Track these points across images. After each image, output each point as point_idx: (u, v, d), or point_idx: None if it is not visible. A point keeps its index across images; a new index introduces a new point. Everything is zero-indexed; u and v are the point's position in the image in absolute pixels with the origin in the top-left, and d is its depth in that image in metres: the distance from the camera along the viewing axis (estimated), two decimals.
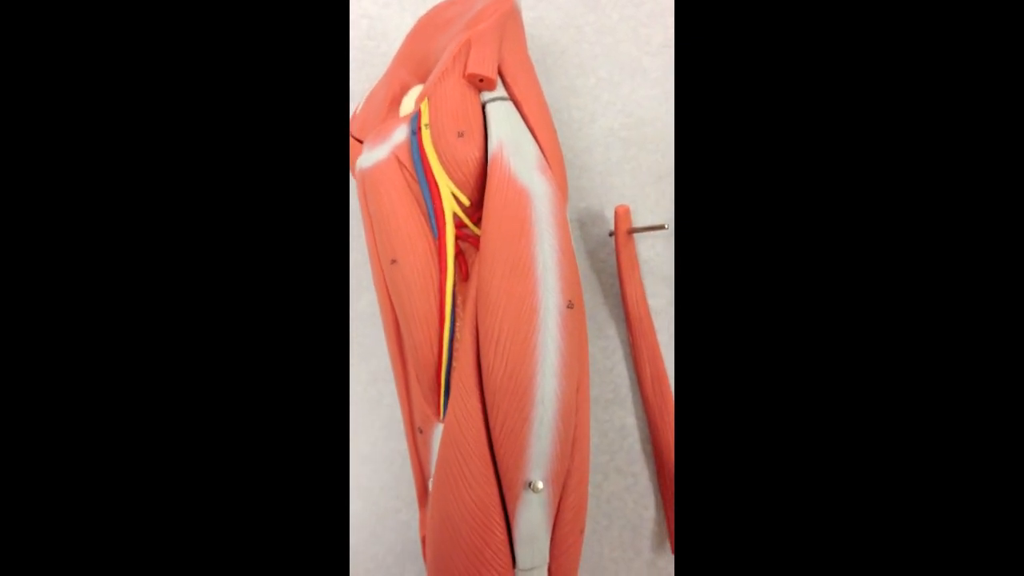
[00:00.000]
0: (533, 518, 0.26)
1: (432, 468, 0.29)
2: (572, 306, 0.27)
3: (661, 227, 0.34)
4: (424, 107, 0.29)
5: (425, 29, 0.34)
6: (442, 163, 0.29)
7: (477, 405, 0.27)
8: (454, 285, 0.29)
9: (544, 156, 0.29)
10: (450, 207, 0.29)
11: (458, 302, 0.29)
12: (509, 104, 0.29)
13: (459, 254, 0.29)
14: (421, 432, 0.29)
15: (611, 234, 0.37)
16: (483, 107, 0.29)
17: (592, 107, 0.39)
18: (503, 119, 0.29)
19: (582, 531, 0.28)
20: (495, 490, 0.26)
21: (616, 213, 0.36)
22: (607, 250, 0.38)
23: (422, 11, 0.40)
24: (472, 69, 0.29)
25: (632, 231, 0.36)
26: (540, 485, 0.26)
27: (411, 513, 0.36)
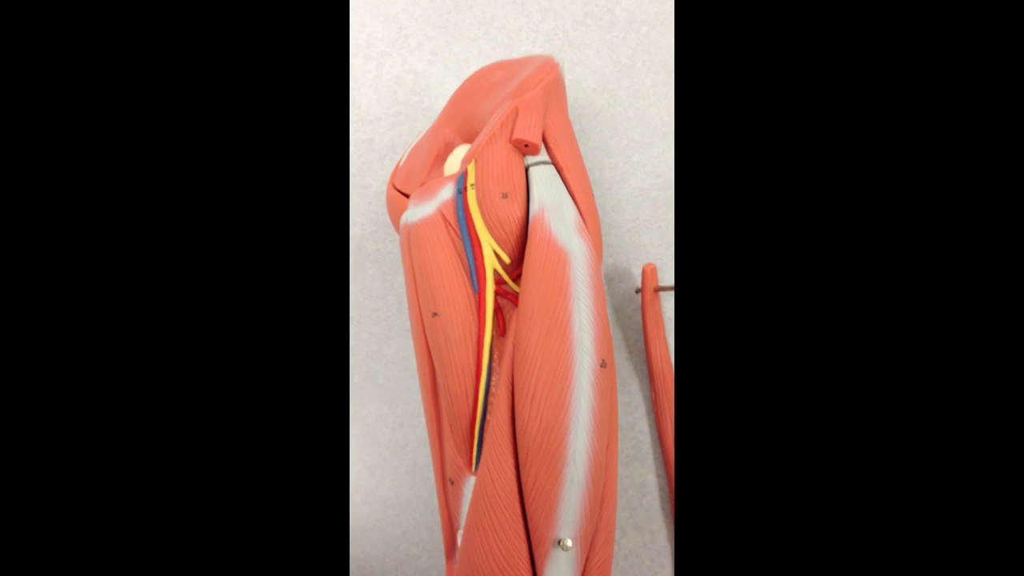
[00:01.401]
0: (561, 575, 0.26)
1: (462, 520, 0.29)
2: (605, 365, 0.28)
3: None
4: (471, 168, 0.31)
5: (471, 91, 0.36)
6: (485, 222, 0.30)
7: (510, 460, 0.27)
8: (492, 339, 0.29)
9: (582, 218, 0.30)
10: (491, 264, 0.30)
11: (495, 356, 0.30)
12: (551, 168, 0.31)
13: (497, 309, 0.30)
14: (452, 483, 0.30)
15: (638, 291, 0.38)
16: (526, 170, 0.31)
17: (623, 167, 0.40)
18: (545, 182, 0.30)
19: None
20: (524, 545, 0.27)
21: (644, 271, 0.37)
22: (633, 307, 0.39)
23: (464, 69, 0.42)
24: (518, 135, 0.30)
25: (659, 290, 0.37)
26: (569, 543, 0.26)
27: (431, 560, 0.36)
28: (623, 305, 0.39)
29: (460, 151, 0.34)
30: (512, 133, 0.30)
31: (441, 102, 0.42)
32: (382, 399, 0.38)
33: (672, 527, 0.36)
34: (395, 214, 0.36)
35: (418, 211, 0.32)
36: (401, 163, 0.37)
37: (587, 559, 0.27)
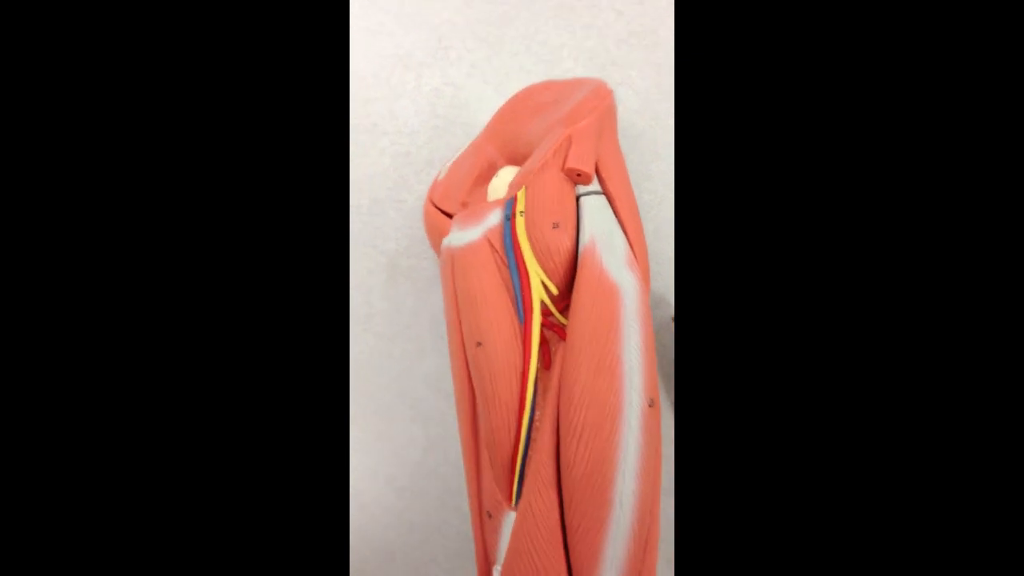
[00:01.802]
0: None
1: (499, 555, 0.29)
2: (653, 404, 0.28)
3: None
4: (521, 195, 0.30)
5: (517, 110, 0.35)
6: (534, 251, 0.29)
7: (554, 499, 0.27)
8: (537, 372, 0.29)
9: (632, 251, 0.30)
10: (538, 295, 0.29)
11: (539, 389, 0.29)
12: (603, 199, 0.30)
13: (543, 342, 0.30)
14: (490, 517, 0.29)
15: (674, 319, 0.38)
16: (577, 199, 0.30)
17: (663, 192, 0.40)
18: (597, 214, 0.29)
19: None
20: None
21: None
22: (668, 334, 0.38)
23: (505, 84, 0.41)
24: (571, 164, 0.29)
25: None
26: None
27: None
28: (659, 332, 0.39)
29: (506, 173, 0.33)
30: (565, 162, 0.30)
31: (480, 116, 0.41)
32: (413, 419, 0.37)
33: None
34: (432, 231, 0.36)
35: (463, 235, 0.31)
36: (440, 178, 0.37)
37: None
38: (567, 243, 0.29)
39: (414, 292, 0.39)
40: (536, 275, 0.29)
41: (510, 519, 0.28)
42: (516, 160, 0.35)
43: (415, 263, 0.39)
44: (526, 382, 0.29)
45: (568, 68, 0.41)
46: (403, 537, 0.36)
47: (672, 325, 0.38)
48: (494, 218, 0.30)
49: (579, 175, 0.30)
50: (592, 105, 0.32)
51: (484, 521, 0.30)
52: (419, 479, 0.37)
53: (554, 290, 0.29)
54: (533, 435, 0.28)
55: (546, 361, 0.30)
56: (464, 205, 0.34)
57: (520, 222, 0.30)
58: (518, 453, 0.28)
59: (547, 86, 0.35)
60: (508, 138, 0.35)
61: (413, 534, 0.36)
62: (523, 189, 0.30)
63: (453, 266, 0.31)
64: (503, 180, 0.33)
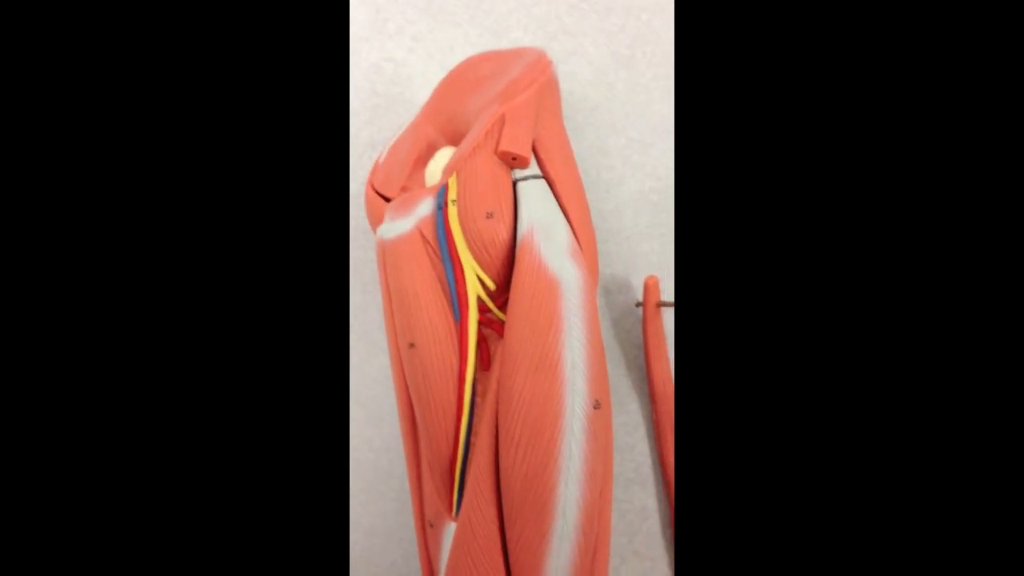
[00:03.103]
0: None
1: (441, 565, 0.27)
2: (599, 406, 0.26)
3: None
4: (452, 182, 0.28)
5: (455, 85, 0.32)
6: (468, 243, 0.27)
7: (493, 511, 0.25)
8: (474, 374, 0.27)
9: (576, 239, 0.27)
10: (474, 290, 0.27)
11: (478, 391, 0.27)
12: (542, 183, 0.28)
13: (481, 340, 0.28)
14: (432, 526, 0.28)
15: (638, 305, 0.35)
16: (514, 185, 0.28)
17: (622, 168, 0.37)
18: (535, 200, 0.27)
19: None
20: None
21: (645, 285, 0.34)
22: (632, 319, 0.36)
23: (448, 58, 0.38)
24: (505, 147, 0.27)
25: (662, 304, 0.34)
26: None
27: None
28: (622, 318, 0.36)
29: (442, 156, 0.31)
30: (498, 144, 0.27)
31: (423, 93, 0.38)
32: (366, 421, 0.36)
33: (674, 554, 0.34)
34: (374, 218, 0.33)
35: (394, 226, 0.29)
36: (380, 161, 0.34)
37: None
38: (503, 234, 0.27)
39: (360, 287, 0.37)
40: (471, 269, 0.27)
41: (451, 530, 0.27)
42: (456, 140, 0.32)
43: (360, 255, 0.37)
44: (463, 385, 0.27)
45: (517, 38, 0.38)
46: (361, 543, 0.35)
47: (637, 310, 0.36)
48: (425, 207, 0.28)
49: (514, 159, 0.27)
50: (529, 79, 0.29)
51: (426, 531, 0.28)
52: (375, 483, 0.35)
53: (491, 284, 0.27)
54: (472, 441, 0.27)
55: (485, 362, 0.28)
56: (405, 190, 0.32)
57: (452, 211, 0.27)
58: (457, 461, 0.27)
59: (486, 57, 0.32)
60: (448, 116, 0.32)
61: (372, 540, 0.35)
62: (454, 175, 0.28)
63: (385, 259, 0.28)
64: (439, 164, 0.30)
